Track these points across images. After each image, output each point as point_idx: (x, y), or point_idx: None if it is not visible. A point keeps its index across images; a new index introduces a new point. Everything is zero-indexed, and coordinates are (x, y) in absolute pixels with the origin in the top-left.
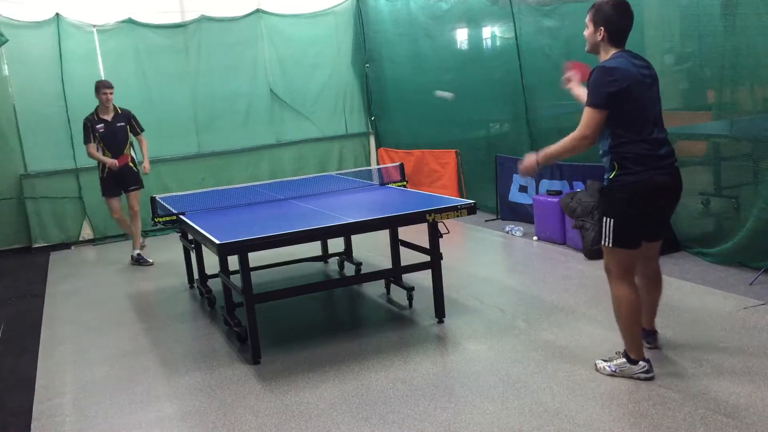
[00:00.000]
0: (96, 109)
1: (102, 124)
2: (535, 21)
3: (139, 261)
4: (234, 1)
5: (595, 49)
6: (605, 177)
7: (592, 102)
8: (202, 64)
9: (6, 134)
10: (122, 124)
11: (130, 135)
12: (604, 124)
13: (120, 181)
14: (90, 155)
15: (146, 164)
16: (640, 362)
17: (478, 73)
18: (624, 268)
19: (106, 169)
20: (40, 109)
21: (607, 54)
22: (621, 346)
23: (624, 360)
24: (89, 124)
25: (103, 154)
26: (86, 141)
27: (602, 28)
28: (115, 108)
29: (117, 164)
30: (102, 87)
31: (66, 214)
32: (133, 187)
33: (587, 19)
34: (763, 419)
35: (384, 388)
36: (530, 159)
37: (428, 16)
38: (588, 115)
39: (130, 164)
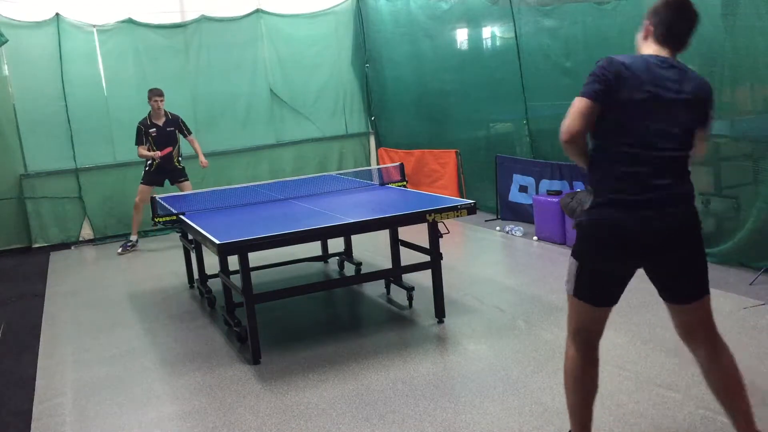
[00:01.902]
0: (149, 114)
1: (154, 129)
2: (535, 21)
3: (135, 245)
4: (234, 1)
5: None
6: None
7: (580, 91)
8: (202, 64)
9: (6, 134)
10: (171, 128)
11: (179, 137)
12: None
13: (164, 174)
14: (140, 155)
15: (202, 159)
16: None
17: (478, 73)
18: (576, 326)
19: (154, 163)
20: (40, 109)
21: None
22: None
23: None
24: (143, 128)
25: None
26: (138, 143)
27: (647, 21)
28: (166, 113)
29: (160, 155)
30: (152, 95)
31: (66, 214)
32: (181, 179)
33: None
34: (763, 420)
35: (384, 388)
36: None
37: (428, 16)
38: (573, 104)
39: (175, 162)
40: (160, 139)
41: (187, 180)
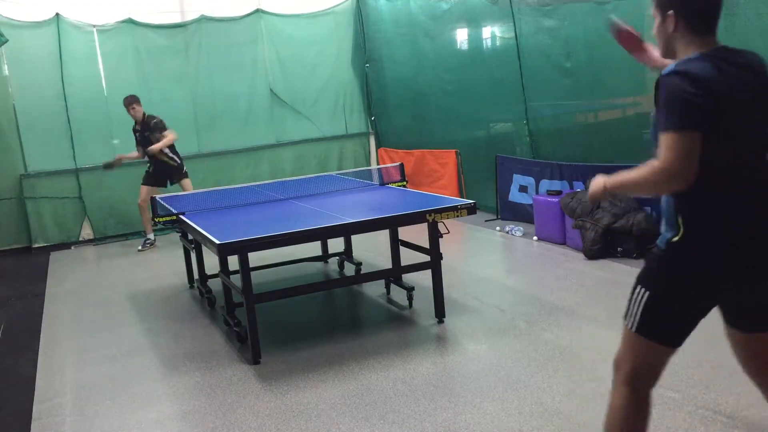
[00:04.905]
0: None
1: (138, 133)
2: (535, 21)
3: (153, 243)
4: (234, 1)
5: (670, 49)
6: (661, 237)
7: (672, 124)
8: (202, 64)
9: (6, 134)
10: (147, 132)
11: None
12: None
13: (161, 175)
14: (158, 149)
15: (155, 148)
16: None
17: (478, 73)
18: (637, 371)
19: (152, 166)
20: (40, 109)
21: (686, 52)
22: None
23: None
24: (134, 132)
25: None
26: (136, 146)
27: (671, 12)
28: (143, 118)
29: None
30: (125, 105)
31: (66, 214)
32: (181, 177)
33: (652, 9)
34: (763, 419)
35: (384, 388)
36: (597, 183)
37: (428, 16)
38: (668, 143)
39: (167, 161)
40: (139, 142)
41: (188, 177)
